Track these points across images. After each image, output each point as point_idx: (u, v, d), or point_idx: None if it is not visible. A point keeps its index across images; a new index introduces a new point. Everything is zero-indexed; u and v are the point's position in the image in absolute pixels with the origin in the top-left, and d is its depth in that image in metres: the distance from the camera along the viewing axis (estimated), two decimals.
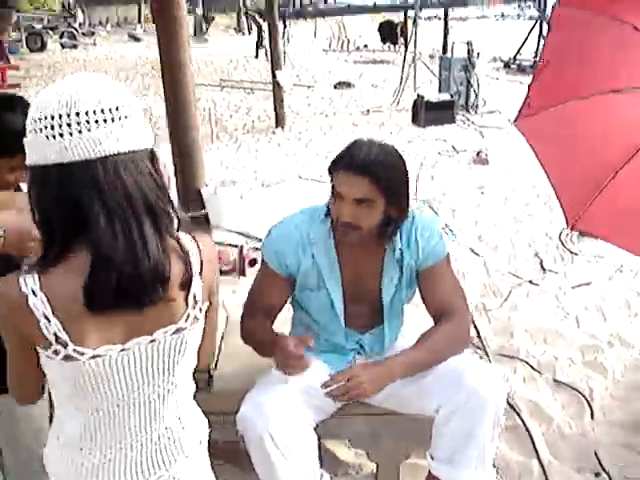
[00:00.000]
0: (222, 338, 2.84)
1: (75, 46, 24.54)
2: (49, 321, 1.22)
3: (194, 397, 1.52)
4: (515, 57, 15.33)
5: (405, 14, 19.90)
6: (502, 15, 38.24)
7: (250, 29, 25.71)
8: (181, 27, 3.43)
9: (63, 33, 24.91)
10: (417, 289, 2.41)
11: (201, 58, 18.48)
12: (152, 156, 1.31)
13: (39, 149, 1.21)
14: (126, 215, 1.22)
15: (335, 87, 13.51)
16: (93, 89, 1.24)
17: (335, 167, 2.18)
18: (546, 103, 2.87)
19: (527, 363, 3.57)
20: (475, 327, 3.91)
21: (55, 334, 1.23)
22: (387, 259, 2.32)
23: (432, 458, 2.34)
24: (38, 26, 24.64)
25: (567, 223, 3.18)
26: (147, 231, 1.24)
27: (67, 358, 1.25)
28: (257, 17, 20.82)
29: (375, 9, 18.83)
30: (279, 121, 9.71)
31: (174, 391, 1.40)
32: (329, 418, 2.35)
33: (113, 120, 1.22)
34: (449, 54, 11.00)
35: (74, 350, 1.24)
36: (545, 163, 3.07)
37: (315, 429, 2.30)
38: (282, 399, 2.18)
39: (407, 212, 2.26)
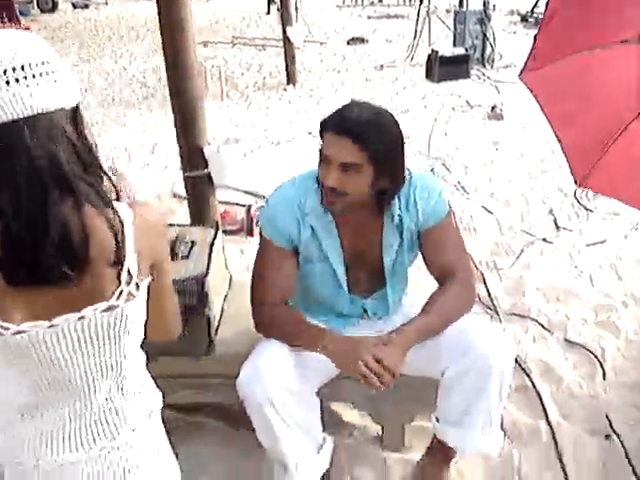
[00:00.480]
0: (224, 300, 2.80)
1: (87, 6, 24.27)
2: None
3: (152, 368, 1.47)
4: (532, 10, 14.95)
5: None
6: None
7: None
8: None
9: None
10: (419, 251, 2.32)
11: (212, 15, 18.27)
12: (74, 117, 1.21)
13: None
14: (31, 185, 1.13)
15: (348, 43, 13.27)
16: (6, 45, 1.14)
17: (324, 128, 2.06)
18: (553, 55, 2.75)
19: (538, 322, 3.50)
20: (486, 286, 3.85)
21: None
22: (386, 226, 2.22)
23: (437, 420, 2.30)
24: None
25: (575, 180, 3.09)
26: (52, 203, 1.14)
27: None
28: None
29: None
30: (290, 78, 9.55)
31: (114, 366, 1.32)
32: (331, 381, 2.31)
33: (18, 80, 1.12)
34: (464, 7, 10.75)
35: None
36: (552, 118, 2.96)
37: (317, 393, 2.26)
38: (282, 363, 2.13)
39: (402, 181, 2.14)
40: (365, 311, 2.40)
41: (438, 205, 2.24)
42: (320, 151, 2.08)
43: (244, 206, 4.73)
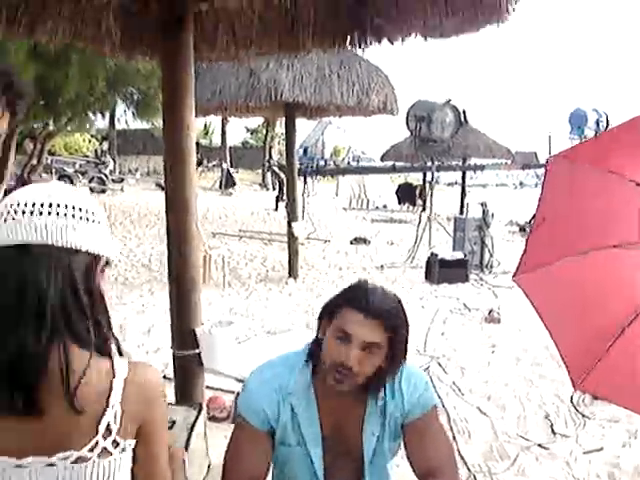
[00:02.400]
0: None
1: (104, 191, 25.37)
2: None
3: None
4: (530, 221, 15.52)
5: (424, 177, 20.56)
6: (520, 184, 39.47)
7: (274, 185, 26.57)
8: (190, 177, 3.47)
9: (93, 178, 25.82)
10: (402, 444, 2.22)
11: (223, 208, 18.99)
12: (91, 263, 1.25)
13: None
14: (9, 315, 1.16)
15: (351, 243, 13.70)
16: (52, 189, 1.25)
17: (347, 305, 2.03)
18: (544, 259, 2.81)
19: None
20: None
21: None
22: (369, 409, 2.15)
23: None
24: (69, 170, 25.60)
25: (573, 384, 3.04)
26: (21, 333, 1.14)
27: None
28: (278, 171, 21.57)
29: (394, 170, 19.42)
30: (292, 272, 9.75)
31: None
32: None
33: (42, 214, 1.20)
34: (464, 215, 11.19)
35: None
36: (546, 320, 2.97)
37: None
38: None
39: (401, 364, 2.11)
40: None
41: (425, 396, 2.18)
42: (337, 328, 2.02)
43: (233, 393, 4.63)
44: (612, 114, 16.97)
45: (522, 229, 16.00)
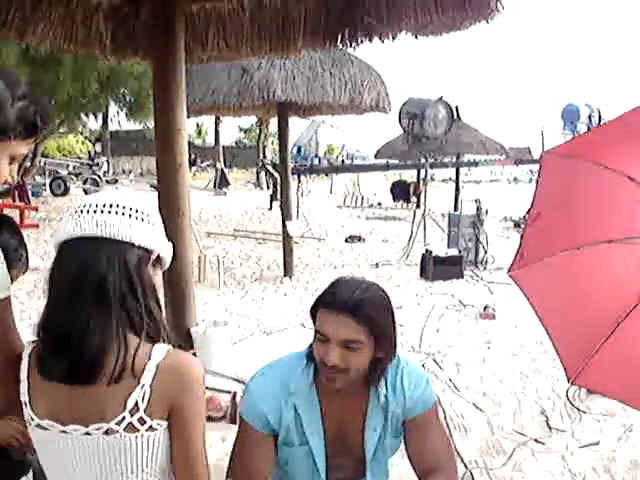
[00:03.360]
0: None
1: (98, 192, 25.27)
2: (22, 383, 1.40)
3: None
4: (525, 217, 15.56)
5: (418, 174, 20.58)
6: (515, 179, 39.56)
7: (268, 184, 26.55)
8: (183, 177, 3.48)
9: (87, 179, 25.73)
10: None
11: (218, 209, 18.96)
12: (144, 257, 1.41)
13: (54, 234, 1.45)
14: (75, 294, 1.33)
15: (346, 241, 13.70)
16: (118, 194, 1.48)
17: (318, 307, 2.06)
18: (539, 254, 2.82)
19: None
20: None
21: (24, 395, 1.40)
22: (371, 406, 2.16)
23: None
24: (63, 172, 25.50)
25: (567, 378, 3.05)
26: (88, 315, 1.32)
27: (27, 420, 1.41)
28: (272, 170, 21.55)
29: (388, 167, 19.42)
30: (287, 271, 9.75)
31: None
32: None
33: (103, 212, 1.40)
34: (458, 211, 11.20)
35: (29, 414, 1.40)
36: (541, 315, 2.98)
37: None
38: None
39: (394, 352, 2.13)
40: None
41: (426, 393, 2.20)
42: (316, 331, 2.06)
43: (229, 393, 4.64)
44: (604, 109, 16.99)
45: (516, 225, 16.02)
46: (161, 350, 1.39)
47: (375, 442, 2.20)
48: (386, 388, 2.16)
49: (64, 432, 1.36)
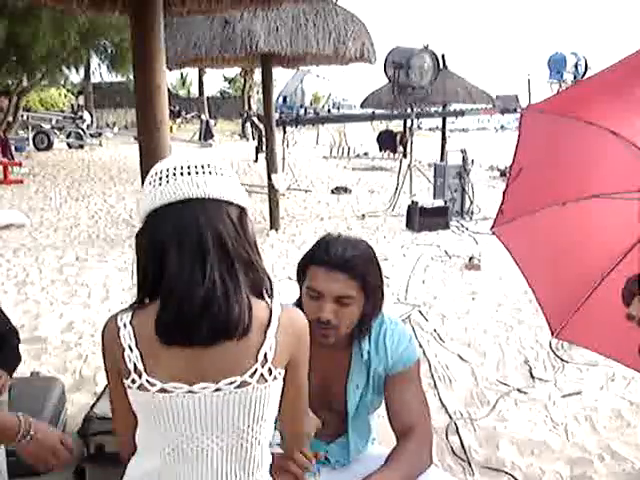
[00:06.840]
0: None
1: (81, 146, 25.04)
2: (132, 351, 1.39)
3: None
4: (511, 166, 15.54)
5: (404, 124, 20.45)
6: (502, 127, 39.41)
7: (254, 136, 26.36)
8: (164, 132, 3.45)
9: (70, 133, 25.46)
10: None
11: None
12: (241, 213, 1.45)
13: (143, 201, 1.44)
14: (197, 256, 1.36)
15: (332, 192, 13.68)
16: (190, 155, 1.46)
17: (310, 264, 2.08)
18: (522, 210, 2.83)
19: (512, 476, 3.38)
20: (460, 437, 3.75)
21: (135, 364, 1.39)
22: (354, 362, 2.20)
23: None
24: (46, 126, 25.18)
25: (551, 332, 3.09)
26: (214, 276, 1.34)
27: (141, 387, 1.39)
28: (257, 122, 21.35)
29: (374, 117, 19.28)
30: (273, 223, 9.75)
31: (249, 448, 1.45)
32: None
33: (197, 173, 1.40)
34: (444, 162, 11.17)
35: (147, 380, 1.39)
36: (525, 271, 3.00)
37: None
38: None
39: (381, 306, 2.16)
40: (326, 458, 2.31)
41: (407, 351, 2.22)
42: (307, 287, 2.07)
43: None
44: (591, 57, 16.88)
45: (502, 174, 16.00)
46: (277, 304, 1.48)
47: (357, 399, 2.23)
48: (369, 345, 2.18)
49: (191, 392, 1.39)
